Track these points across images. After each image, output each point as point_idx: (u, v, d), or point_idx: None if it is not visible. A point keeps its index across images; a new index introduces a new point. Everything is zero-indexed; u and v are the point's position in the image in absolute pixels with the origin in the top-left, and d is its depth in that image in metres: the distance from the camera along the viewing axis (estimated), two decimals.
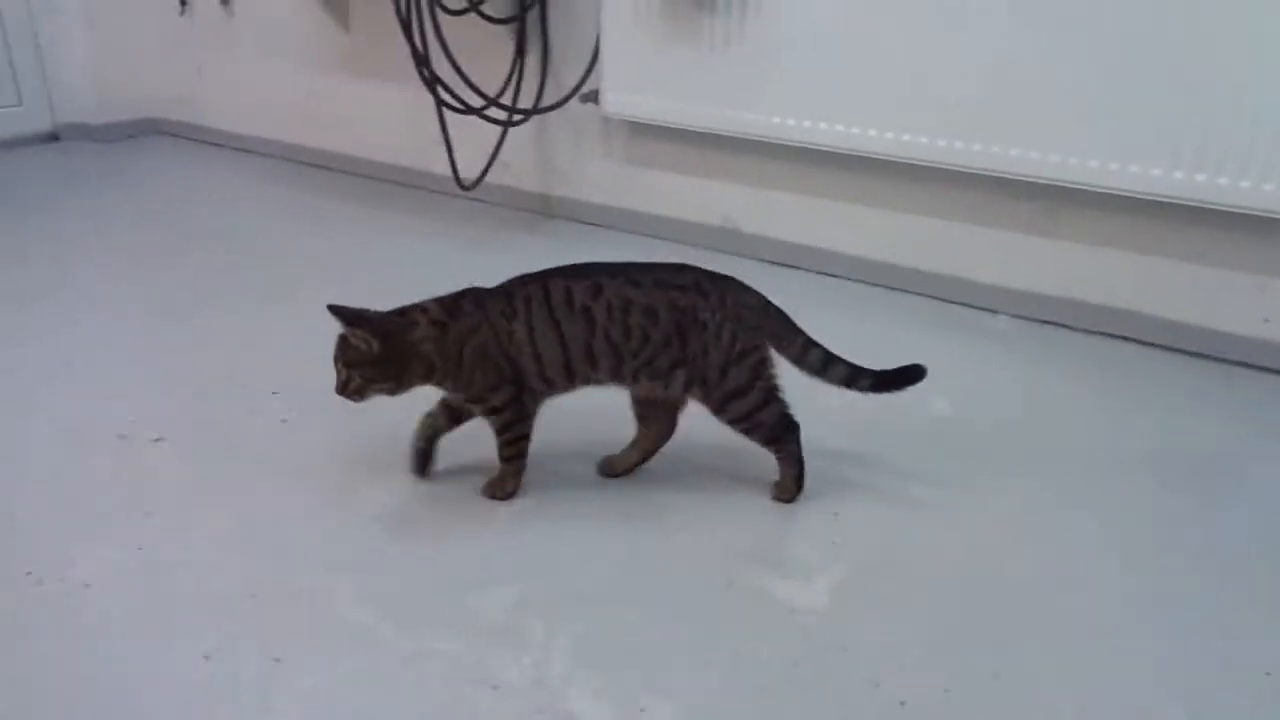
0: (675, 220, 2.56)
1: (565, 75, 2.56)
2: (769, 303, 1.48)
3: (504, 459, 1.50)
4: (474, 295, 1.45)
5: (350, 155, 3.12)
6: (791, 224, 2.42)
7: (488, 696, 1.13)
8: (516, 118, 2.57)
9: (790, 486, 1.52)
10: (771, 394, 1.47)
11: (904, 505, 1.51)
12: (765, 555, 1.39)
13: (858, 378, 1.48)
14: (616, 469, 1.57)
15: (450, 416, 1.52)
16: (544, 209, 2.79)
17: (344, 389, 1.40)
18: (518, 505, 1.48)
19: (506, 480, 1.51)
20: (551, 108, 2.54)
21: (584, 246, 2.56)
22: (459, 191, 2.73)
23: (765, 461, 1.50)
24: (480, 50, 2.51)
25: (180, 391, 1.81)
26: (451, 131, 2.54)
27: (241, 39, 3.23)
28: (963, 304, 2.22)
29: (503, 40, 2.55)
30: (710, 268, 1.46)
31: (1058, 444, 1.69)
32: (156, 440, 1.63)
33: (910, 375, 1.48)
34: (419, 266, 2.41)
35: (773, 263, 2.42)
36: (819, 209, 2.36)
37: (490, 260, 2.47)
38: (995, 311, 2.18)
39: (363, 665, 1.17)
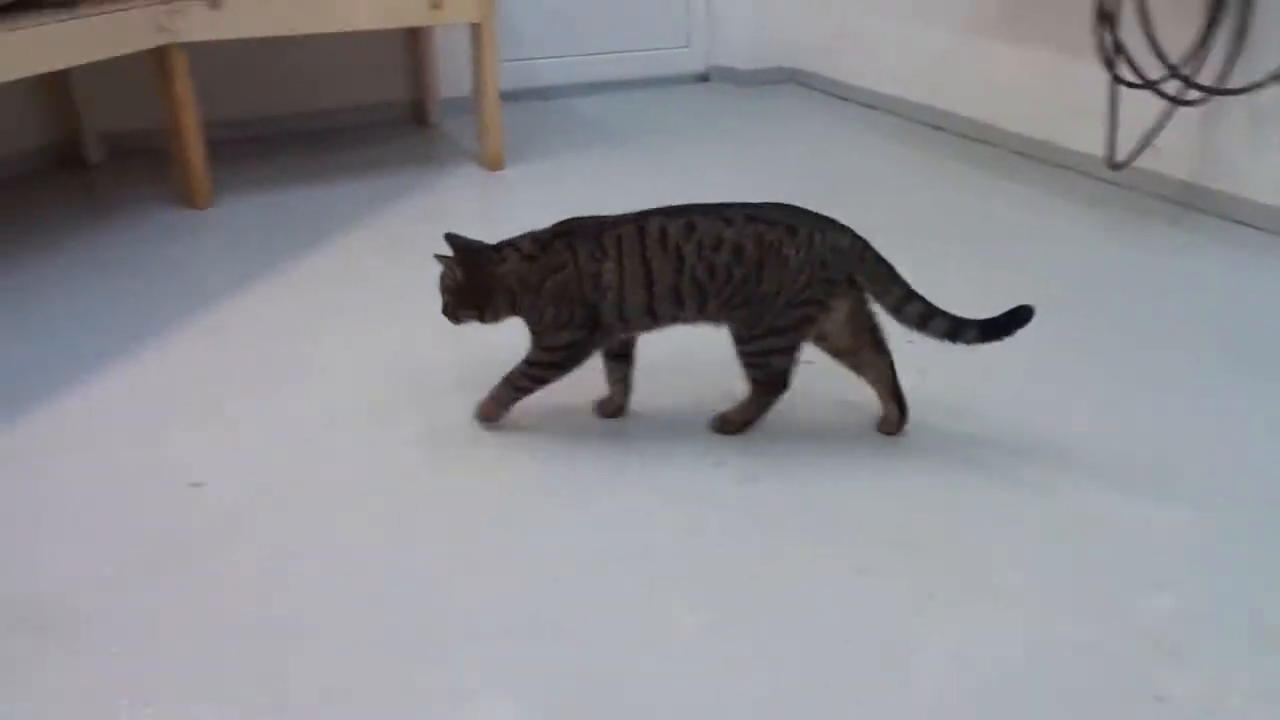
0: None
1: (1263, 52, 2.26)
2: (866, 247, 1.44)
3: (515, 386, 1.53)
4: (568, 235, 1.48)
5: (977, 120, 3.08)
6: None
7: (1150, 708, 1.07)
8: (1192, 96, 2.33)
9: (734, 420, 1.54)
10: (796, 348, 1.47)
11: None
12: None
13: (961, 330, 1.42)
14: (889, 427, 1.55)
15: (618, 357, 1.56)
16: (1190, 201, 2.52)
17: (443, 310, 1.53)
18: (1181, 517, 1.38)
19: (501, 404, 1.55)
20: (1243, 90, 2.27)
21: (1235, 250, 2.27)
22: (1090, 170, 2.58)
23: None
24: (1155, 17, 2.32)
25: None
26: (1100, 105, 2.38)
27: None
28: None
29: (1188, 7, 2.32)
30: None
31: None
32: (808, 362, 1.78)
33: (1017, 319, 1.40)
34: (1036, 242, 2.33)
35: None
36: None
37: (1119, 249, 2.31)
38: None
39: (1011, 631, 1.19)
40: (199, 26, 2.32)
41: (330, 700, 1.09)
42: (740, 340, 1.48)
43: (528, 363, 1.52)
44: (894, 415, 1.54)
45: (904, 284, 1.44)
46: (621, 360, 1.58)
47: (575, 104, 3.57)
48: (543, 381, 1.53)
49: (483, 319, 1.52)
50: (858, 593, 1.25)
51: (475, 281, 1.49)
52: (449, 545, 1.35)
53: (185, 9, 2.29)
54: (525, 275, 1.48)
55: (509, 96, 3.39)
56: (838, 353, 1.52)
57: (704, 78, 3.90)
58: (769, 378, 1.50)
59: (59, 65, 2.09)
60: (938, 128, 3.21)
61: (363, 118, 3.24)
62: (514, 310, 1.51)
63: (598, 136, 3.20)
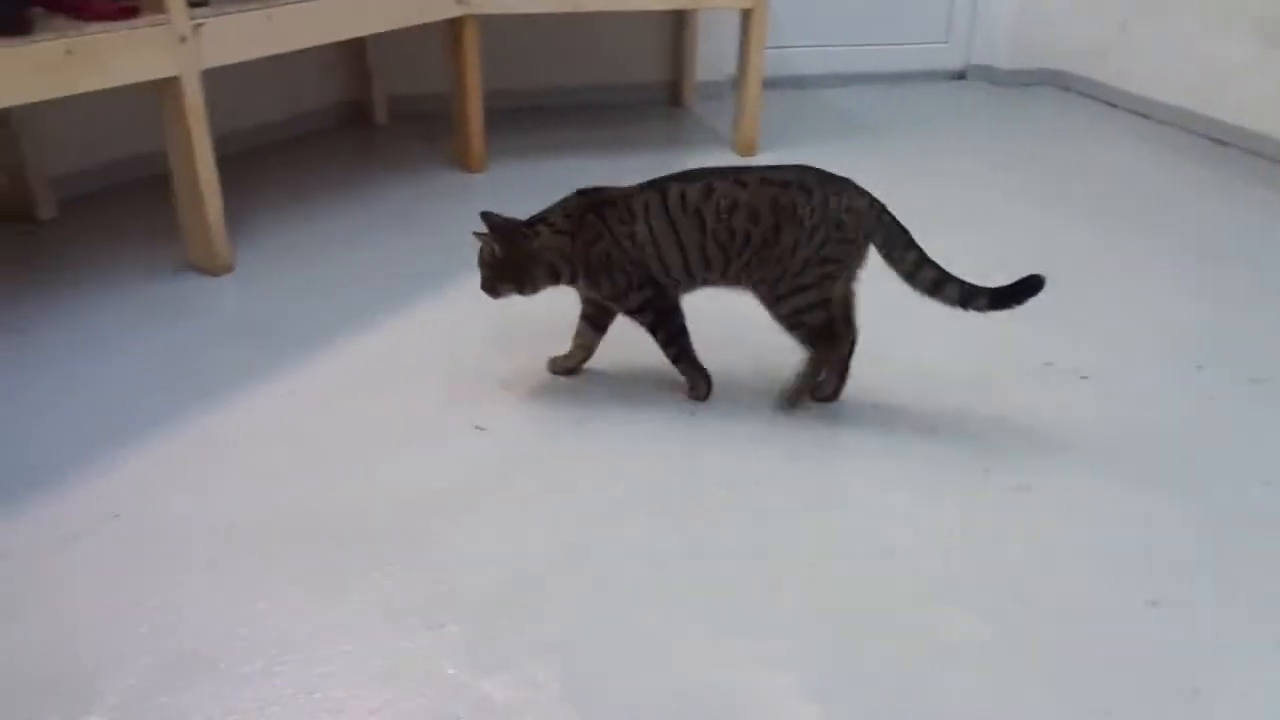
0: None
1: None
2: (883, 210, 1.48)
3: (672, 361, 1.62)
4: (595, 207, 1.55)
5: (1274, 138, 2.83)
6: None
7: None
8: None
9: (794, 389, 1.58)
10: (826, 303, 1.51)
11: None
12: None
13: (973, 297, 1.45)
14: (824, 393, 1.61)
15: (595, 326, 1.66)
16: None
17: (482, 285, 1.59)
18: None
19: (695, 385, 1.63)
20: None
21: None
22: None
23: None
24: None
25: (1099, 334, 1.86)
26: None
27: None
28: None
29: None
30: None
31: None
32: (1082, 378, 1.71)
33: (1028, 287, 1.42)
34: None
35: None
36: None
37: None
38: None
39: None
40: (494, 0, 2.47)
41: (613, 648, 1.16)
42: (771, 306, 1.53)
43: (652, 337, 1.61)
44: (834, 384, 1.61)
45: (918, 250, 1.47)
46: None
47: (826, 94, 3.54)
48: (673, 337, 1.60)
49: (521, 291, 1.60)
50: (1148, 624, 1.19)
51: (513, 257, 1.56)
52: (722, 523, 1.39)
53: None
54: (564, 249, 1.56)
55: (763, 83, 3.42)
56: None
57: (960, 75, 3.77)
58: (811, 336, 1.54)
59: (372, 30, 2.27)
60: (1221, 142, 2.97)
61: (622, 96, 3.34)
62: (555, 281, 1.59)
63: (850, 128, 3.16)
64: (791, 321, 1.53)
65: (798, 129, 3.10)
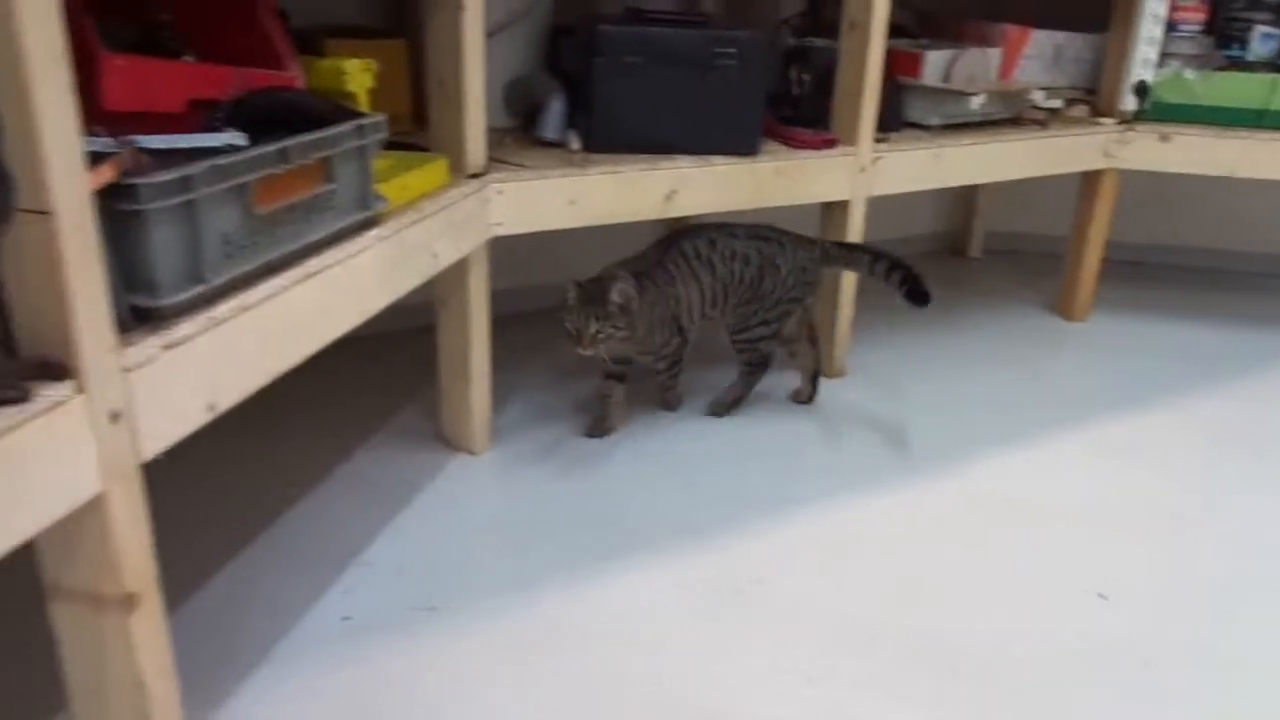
0: None
1: None
2: (825, 248, 1.94)
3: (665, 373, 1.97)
4: (646, 269, 1.84)
5: None
6: None
7: None
8: None
9: (726, 401, 2.01)
10: (776, 336, 1.95)
11: None
12: None
13: (905, 285, 1.84)
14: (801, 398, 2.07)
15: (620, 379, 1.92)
16: None
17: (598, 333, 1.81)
18: None
19: (669, 395, 2.01)
20: None
21: None
22: None
23: None
24: None
25: None
26: None
27: None
28: None
29: None
30: None
31: None
32: None
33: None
34: None
35: None
36: None
37: None
38: None
39: None
40: (1142, 156, 2.40)
41: None
42: (735, 332, 1.93)
43: (667, 369, 1.96)
44: (808, 391, 2.05)
45: (868, 252, 1.90)
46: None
47: None
48: (673, 364, 1.94)
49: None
50: None
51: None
52: None
53: (1136, 140, 2.40)
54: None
55: None
56: (782, 340, 1.97)
57: None
58: (756, 358, 1.96)
59: (1020, 175, 2.31)
60: None
61: (1249, 264, 3.06)
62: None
63: None
64: (747, 346, 1.94)
65: None
